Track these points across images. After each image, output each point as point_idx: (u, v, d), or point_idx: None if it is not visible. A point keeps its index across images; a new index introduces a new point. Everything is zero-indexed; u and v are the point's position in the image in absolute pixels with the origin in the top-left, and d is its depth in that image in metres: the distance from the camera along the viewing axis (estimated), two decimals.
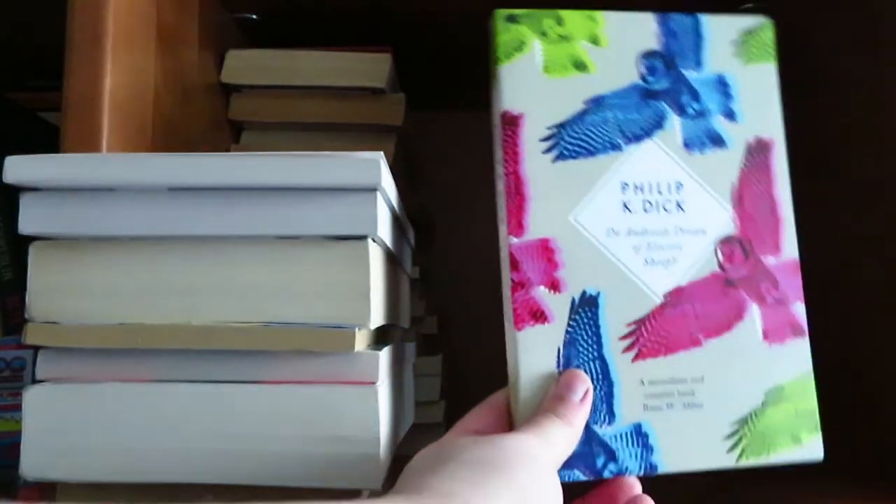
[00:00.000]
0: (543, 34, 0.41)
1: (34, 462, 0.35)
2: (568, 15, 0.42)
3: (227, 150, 0.57)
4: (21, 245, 0.36)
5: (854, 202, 0.53)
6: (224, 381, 0.35)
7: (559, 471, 0.36)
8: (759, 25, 0.44)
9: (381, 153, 0.34)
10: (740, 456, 0.39)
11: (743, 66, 0.43)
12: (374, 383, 0.35)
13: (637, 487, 0.38)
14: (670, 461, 0.38)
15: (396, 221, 0.44)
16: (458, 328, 0.77)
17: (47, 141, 0.40)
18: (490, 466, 0.30)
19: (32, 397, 0.35)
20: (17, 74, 0.71)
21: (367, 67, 0.55)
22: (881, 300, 0.50)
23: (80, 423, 0.35)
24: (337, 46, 0.57)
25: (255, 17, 0.60)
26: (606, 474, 0.38)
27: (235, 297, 0.35)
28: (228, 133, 0.58)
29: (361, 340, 0.35)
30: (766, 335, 0.40)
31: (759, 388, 0.40)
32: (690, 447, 0.38)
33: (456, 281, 0.79)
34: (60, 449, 0.35)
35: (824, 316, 0.45)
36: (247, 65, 0.56)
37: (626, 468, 0.38)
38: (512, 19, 0.41)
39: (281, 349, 0.35)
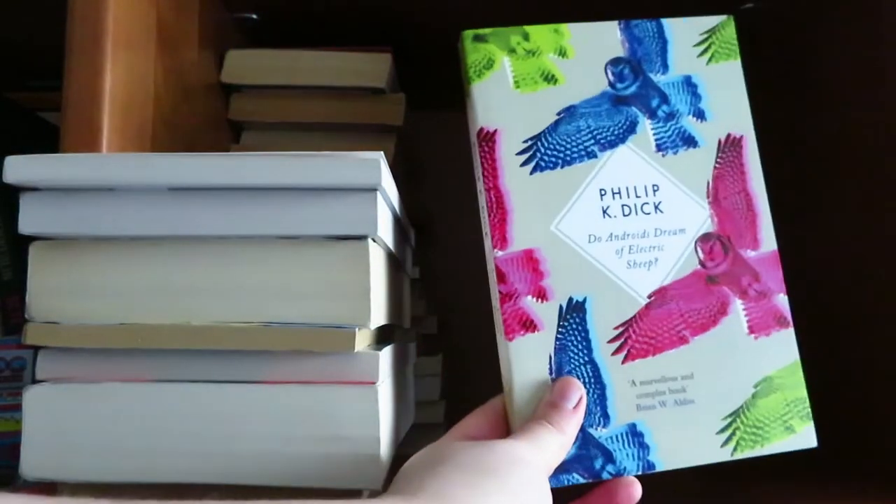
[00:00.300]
0: (511, 51, 0.42)
1: (34, 462, 0.35)
2: (534, 30, 0.43)
3: (227, 150, 0.57)
4: (21, 245, 0.36)
5: (856, 202, 0.53)
6: (224, 381, 0.35)
7: (558, 475, 0.37)
8: (721, 24, 0.44)
9: (381, 153, 0.34)
10: (735, 449, 0.39)
11: (708, 66, 0.44)
12: (374, 383, 0.35)
13: (636, 486, 0.38)
14: (667, 459, 0.39)
15: (396, 221, 0.44)
16: (458, 328, 0.77)
17: (47, 141, 0.40)
18: (484, 470, 0.31)
19: (32, 397, 0.35)
20: (17, 74, 0.71)
21: (367, 67, 0.56)
22: (878, 301, 0.50)
23: (80, 423, 0.35)
24: (337, 46, 0.57)
25: (255, 17, 0.60)
26: (605, 476, 0.38)
27: (235, 297, 0.35)
28: (228, 133, 0.58)
29: (361, 340, 0.35)
30: (751, 328, 0.41)
31: (748, 381, 0.40)
32: (686, 444, 0.39)
33: (456, 281, 0.79)
34: (60, 449, 0.35)
35: (820, 317, 0.45)
36: (247, 65, 0.56)
37: (625, 468, 0.38)
38: (479, 39, 0.42)
39: (281, 349, 0.35)
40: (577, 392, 0.37)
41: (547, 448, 0.35)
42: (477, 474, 0.30)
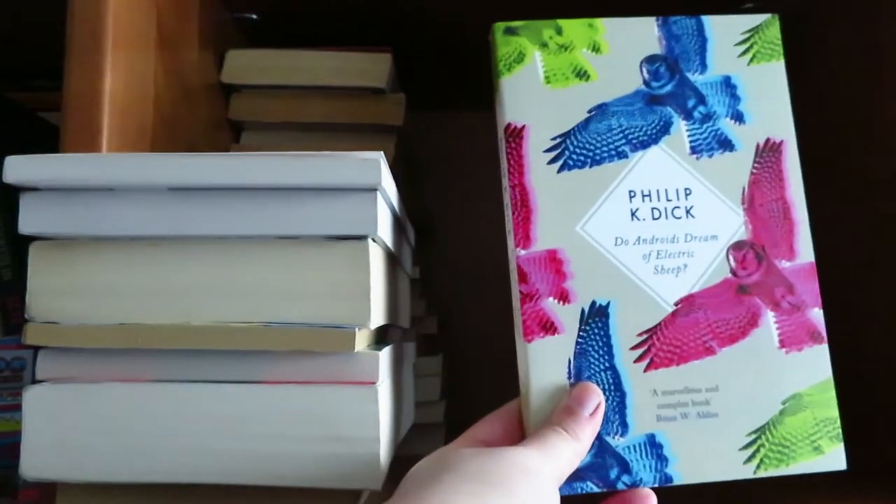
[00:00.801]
0: (543, 45, 0.41)
1: (34, 462, 0.35)
2: (567, 24, 0.41)
3: (227, 150, 0.57)
4: (21, 245, 0.36)
5: (855, 202, 0.53)
6: (224, 381, 0.35)
7: (572, 483, 0.36)
8: (764, 23, 0.42)
9: (381, 153, 0.34)
10: (759, 466, 0.38)
11: (750, 66, 0.42)
12: (374, 383, 0.35)
13: (651, 498, 0.37)
14: (686, 472, 0.37)
15: (396, 221, 0.44)
16: (458, 328, 0.77)
17: (47, 141, 0.40)
18: (489, 480, 0.30)
19: (32, 397, 0.35)
20: (17, 74, 0.71)
21: (367, 67, 0.56)
22: (879, 301, 0.50)
23: (80, 423, 0.35)
24: (337, 46, 0.57)
25: (255, 17, 0.60)
26: (620, 486, 0.37)
27: (235, 297, 0.35)
28: (228, 133, 0.58)
29: (361, 340, 0.35)
30: (782, 342, 0.39)
31: (776, 397, 0.39)
32: (707, 458, 0.38)
33: (456, 281, 0.79)
34: (60, 449, 0.35)
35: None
36: (247, 65, 0.56)
37: (641, 480, 0.37)
38: (511, 31, 0.41)
39: (281, 349, 0.35)
40: (596, 398, 0.36)
41: (559, 456, 0.34)
42: (482, 484, 0.30)
